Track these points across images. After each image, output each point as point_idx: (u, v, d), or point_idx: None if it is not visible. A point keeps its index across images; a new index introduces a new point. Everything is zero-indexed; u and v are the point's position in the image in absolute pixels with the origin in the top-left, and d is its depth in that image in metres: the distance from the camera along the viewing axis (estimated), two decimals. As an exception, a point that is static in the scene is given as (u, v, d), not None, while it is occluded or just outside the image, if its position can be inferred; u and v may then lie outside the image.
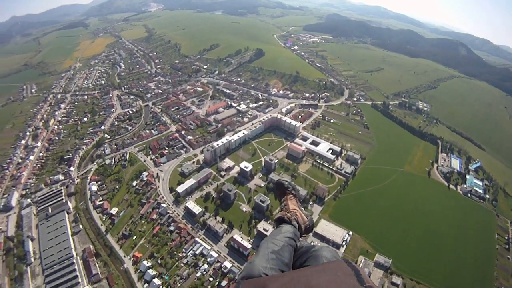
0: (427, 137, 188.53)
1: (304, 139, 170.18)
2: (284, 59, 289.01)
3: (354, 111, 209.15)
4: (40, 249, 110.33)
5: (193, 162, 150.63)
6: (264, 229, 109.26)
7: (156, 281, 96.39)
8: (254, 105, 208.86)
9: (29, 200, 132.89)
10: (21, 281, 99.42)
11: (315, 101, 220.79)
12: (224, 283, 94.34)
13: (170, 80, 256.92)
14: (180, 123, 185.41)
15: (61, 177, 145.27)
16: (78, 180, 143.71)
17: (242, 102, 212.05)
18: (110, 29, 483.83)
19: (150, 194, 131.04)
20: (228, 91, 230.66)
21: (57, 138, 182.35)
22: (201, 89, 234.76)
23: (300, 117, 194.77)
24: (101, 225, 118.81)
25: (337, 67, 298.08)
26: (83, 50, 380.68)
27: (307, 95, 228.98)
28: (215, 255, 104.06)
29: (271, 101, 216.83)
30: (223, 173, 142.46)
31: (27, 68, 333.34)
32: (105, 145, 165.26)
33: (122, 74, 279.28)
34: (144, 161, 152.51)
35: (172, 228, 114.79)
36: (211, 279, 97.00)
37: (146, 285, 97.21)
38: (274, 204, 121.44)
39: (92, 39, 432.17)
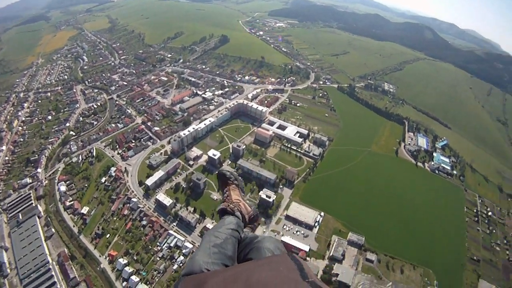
0: (393, 117, 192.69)
1: (271, 123, 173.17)
2: (249, 45, 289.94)
3: (320, 94, 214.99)
4: (15, 258, 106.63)
5: (161, 154, 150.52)
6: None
7: (134, 278, 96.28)
8: (220, 92, 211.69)
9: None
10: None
11: (281, 85, 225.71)
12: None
13: (134, 71, 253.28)
14: (145, 115, 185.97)
15: (28, 180, 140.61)
16: (46, 181, 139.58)
17: (207, 90, 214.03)
18: (73, 21, 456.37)
19: (120, 189, 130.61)
20: (193, 79, 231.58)
21: (22, 139, 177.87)
22: (165, 79, 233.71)
23: (266, 102, 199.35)
24: (73, 226, 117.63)
25: (303, 51, 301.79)
26: (45, 45, 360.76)
27: (273, 80, 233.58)
28: (190, 245, 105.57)
29: (236, 87, 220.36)
30: (191, 162, 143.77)
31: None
32: (71, 143, 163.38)
33: (85, 67, 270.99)
34: (112, 156, 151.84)
35: (144, 222, 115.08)
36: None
37: (124, 283, 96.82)
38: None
39: (54, 33, 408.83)
